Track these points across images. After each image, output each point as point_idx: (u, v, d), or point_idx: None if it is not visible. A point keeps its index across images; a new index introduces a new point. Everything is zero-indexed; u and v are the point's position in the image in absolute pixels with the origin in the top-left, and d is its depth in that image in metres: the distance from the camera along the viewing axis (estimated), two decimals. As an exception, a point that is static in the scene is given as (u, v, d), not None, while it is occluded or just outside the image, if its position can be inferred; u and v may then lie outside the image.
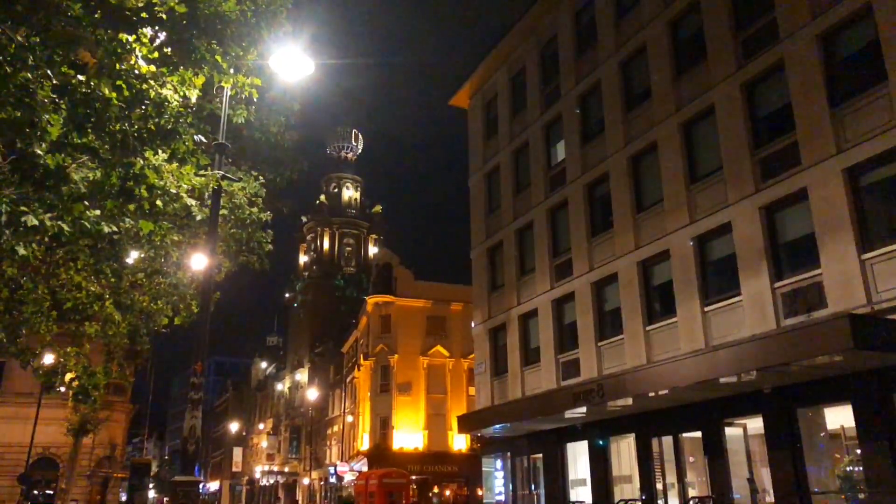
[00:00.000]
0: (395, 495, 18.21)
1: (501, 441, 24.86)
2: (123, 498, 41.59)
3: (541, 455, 23.02)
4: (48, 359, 20.71)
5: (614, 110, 21.17)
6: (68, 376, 22.40)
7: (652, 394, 16.46)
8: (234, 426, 77.93)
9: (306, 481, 59.23)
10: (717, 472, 16.32)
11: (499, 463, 25.28)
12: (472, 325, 29.68)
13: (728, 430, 16.57)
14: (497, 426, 23.05)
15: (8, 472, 34.15)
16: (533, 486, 23.44)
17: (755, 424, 15.97)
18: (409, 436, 42.56)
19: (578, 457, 21.64)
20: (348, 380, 51.82)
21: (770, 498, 15.06)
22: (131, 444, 60.25)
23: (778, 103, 16.14)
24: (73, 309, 16.92)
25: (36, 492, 35.39)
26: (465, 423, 26.13)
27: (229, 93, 11.17)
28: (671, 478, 17.81)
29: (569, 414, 19.59)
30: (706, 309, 16.90)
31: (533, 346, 24.00)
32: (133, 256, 14.59)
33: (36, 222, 10.34)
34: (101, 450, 37.73)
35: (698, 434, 17.21)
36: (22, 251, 10.59)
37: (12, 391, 35.68)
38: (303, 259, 75.39)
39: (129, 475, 24.25)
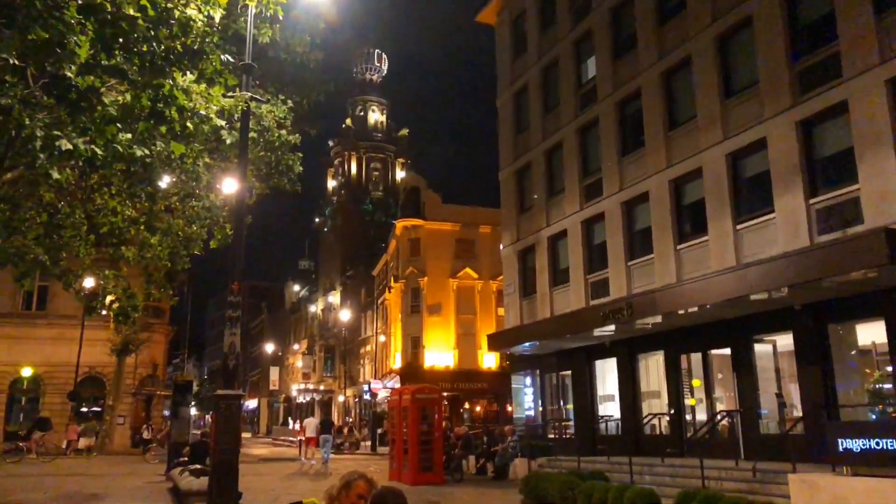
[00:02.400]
0: (428, 410, 18.75)
1: (530, 359, 25.30)
2: (166, 414, 43.48)
3: (569, 372, 23.44)
4: (89, 282, 21.35)
5: (647, 24, 20.45)
6: (108, 299, 23.11)
7: (681, 311, 16.53)
8: (269, 347, 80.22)
9: (341, 398, 61.26)
10: (746, 387, 16.50)
11: (528, 380, 25.82)
12: (501, 247, 29.79)
13: (757, 347, 16.67)
14: (526, 344, 23.44)
15: (58, 389, 35.77)
16: (562, 402, 23.99)
17: (785, 341, 16.02)
18: (439, 355, 43.52)
19: (607, 373, 22.00)
20: (379, 301, 52.75)
21: (798, 412, 15.24)
22: (171, 364, 62.55)
23: (820, 12, 15.45)
24: (109, 233, 17.30)
25: (84, 409, 37.09)
26: (495, 342, 26.57)
27: (253, 11, 11.01)
28: (699, 393, 18.08)
29: (597, 332, 19.82)
30: (738, 227, 16.71)
31: (562, 266, 24.08)
32: (166, 181, 14.79)
33: (70, 146, 10.48)
34: (143, 369, 39.22)
35: (727, 351, 17.34)
36: (56, 175, 10.78)
37: (57, 313, 36.90)
38: (331, 184, 75.63)
39: (171, 393, 25.29)
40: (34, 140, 10.32)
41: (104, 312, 34.69)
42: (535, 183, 25.83)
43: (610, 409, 21.50)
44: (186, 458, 16.38)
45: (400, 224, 46.61)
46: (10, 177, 13.70)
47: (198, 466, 14.04)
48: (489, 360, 43.43)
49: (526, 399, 25.90)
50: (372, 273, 56.55)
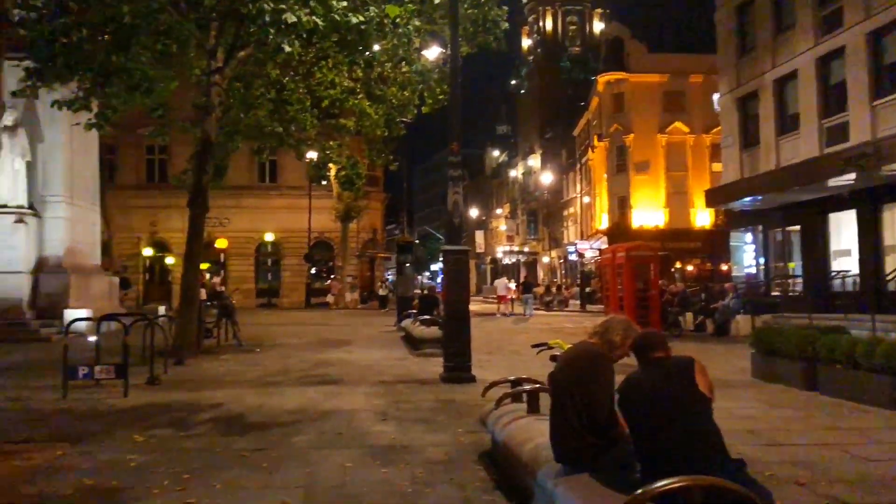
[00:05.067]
0: (642, 268, 18.43)
1: (751, 214, 23.76)
2: (387, 275, 47.16)
3: (797, 227, 21.76)
4: (313, 154, 22.98)
5: None
6: (333, 169, 24.82)
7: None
8: (473, 212, 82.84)
9: (546, 259, 62.45)
10: None
11: (748, 237, 24.42)
12: (717, 96, 27.54)
13: None
14: (747, 199, 21.99)
15: (295, 252, 40.13)
16: (787, 258, 22.48)
17: None
18: (648, 214, 42.32)
19: (842, 227, 20.11)
20: (582, 162, 51.81)
21: None
22: (386, 230, 66.95)
23: None
24: (330, 105, 18.30)
25: (314, 270, 41.30)
26: (713, 198, 25.19)
27: None
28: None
29: (833, 182, 18.01)
30: None
31: (790, 112, 21.84)
32: (377, 49, 15.13)
33: (294, 19, 10.98)
34: (364, 234, 42.52)
35: None
36: (287, 48, 11.41)
37: (286, 185, 40.67)
38: (525, 43, 73.53)
39: (395, 252, 27.48)
40: (263, 15, 10.94)
41: (324, 183, 37.66)
42: (758, 19, 23.16)
43: (845, 264, 19.81)
44: (415, 311, 17.72)
45: (602, 79, 44.55)
46: (242, 55, 14.77)
47: (427, 317, 15.14)
48: (702, 219, 41.53)
49: (745, 256, 24.62)
50: (572, 134, 55.28)
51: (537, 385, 6.01)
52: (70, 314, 15.92)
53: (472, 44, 15.09)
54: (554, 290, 41.28)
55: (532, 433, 5.05)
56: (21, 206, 19.13)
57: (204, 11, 13.16)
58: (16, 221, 18.83)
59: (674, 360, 3.61)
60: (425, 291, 18.95)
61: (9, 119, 18.75)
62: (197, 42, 14.54)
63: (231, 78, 15.14)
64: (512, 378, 6.54)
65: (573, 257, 50.22)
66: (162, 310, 19.63)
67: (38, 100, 17.63)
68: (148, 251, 39.83)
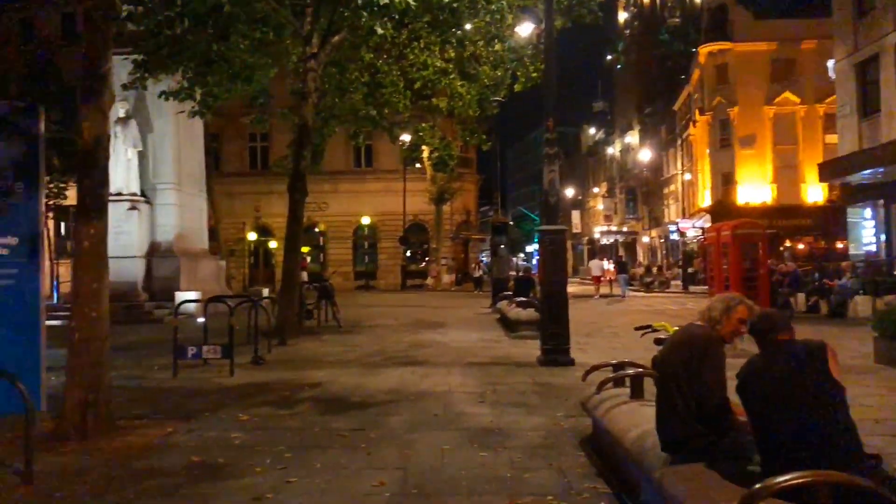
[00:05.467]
0: (749, 247, 17.52)
1: (871, 188, 22.14)
2: (481, 256, 47.13)
3: (924, 200, 20.11)
4: (406, 137, 23.11)
5: None
6: (426, 151, 24.87)
7: None
8: (569, 192, 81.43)
9: (646, 239, 60.70)
10: None
11: (868, 212, 22.78)
12: (832, 62, 25.74)
13: None
14: (867, 172, 20.50)
15: (390, 235, 40.71)
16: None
17: None
18: (754, 190, 40.25)
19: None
20: (683, 138, 49.86)
21: None
22: (480, 212, 66.82)
23: None
24: (423, 86, 18.28)
25: (409, 253, 41.72)
26: (828, 171, 23.64)
27: None
28: None
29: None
30: None
31: (916, 76, 20.12)
32: (469, 28, 14.94)
33: (387, 0, 10.94)
34: (458, 216, 42.60)
35: None
36: (380, 30, 11.39)
37: (381, 169, 41.23)
38: (622, 16, 71.22)
39: (490, 234, 27.45)
40: (356, -1, 10.96)
41: (418, 165, 37.87)
42: (880, -24, 21.40)
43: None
44: (511, 293, 17.55)
45: (703, 50, 42.49)
46: (336, 40, 14.91)
47: (522, 299, 14.95)
48: (813, 194, 39.14)
49: (864, 233, 23.02)
50: (672, 108, 53.20)
51: (641, 369, 5.76)
52: (180, 296, 16.69)
53: (567, 17, 14.61)
54: (654, 270, 40.05)
55: (636, 419, 4.83)
56: (134, 194, 20.20)
57: (299, -2, 13.38)
58: (129, 209, 19.90)
59: (803, 344, 3.28)
60: (521, 273, 18.72)
61: (121, 111, 19.82)
62: (293, 29, 14.80)
63: (326, 63, 15.34)
64: (614, 362, 6.30)
65: (674, 237, 48.51)
66: (265, 292, 20.34)
67: (147, 92, 18.52)
68: (252, 236, 41.38)
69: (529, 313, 14.10)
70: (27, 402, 5.05)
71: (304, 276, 20.76)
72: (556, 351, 10.17)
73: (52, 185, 24.83)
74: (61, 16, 37.45)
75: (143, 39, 12.55)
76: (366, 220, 41.46)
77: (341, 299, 18.02)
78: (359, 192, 41.00)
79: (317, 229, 39.93)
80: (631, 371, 5.78)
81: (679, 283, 36.83)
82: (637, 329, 7.08)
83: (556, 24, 15.40)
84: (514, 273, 24.81)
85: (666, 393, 3.91)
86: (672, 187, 53.57)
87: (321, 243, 41.42)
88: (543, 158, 10.46)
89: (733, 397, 3.57)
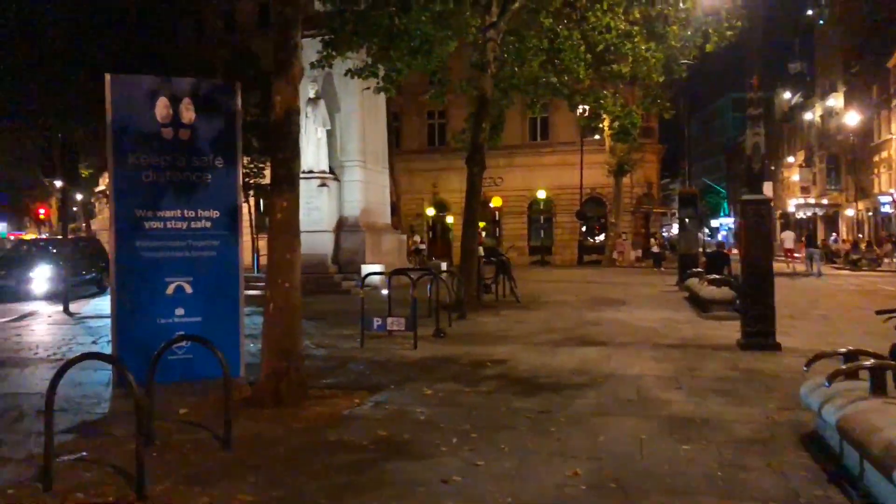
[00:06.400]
0: None
1: None
2: (664, 231, 44.90)
3: None
4: (583, 108, 22.16)
5: None
6: (606, 121, 23.81)
7: None
8: (759, 162, 75.52)
9: (850, 212, 54.81)
10: None
11: None
12: None
13: None
14: None
15: (566, 209, 39.86)
16: None
17: None
18: None
19: None
20: (899, 97, 44.14)
21: None
22: (660, 184, 63.77)
23: None
24: (605, 50, 17.35)
25: (584, 228, 40.57)
26: None
27: None
28: None
29: None
30: None
31: None
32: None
33: (571, -44, 10.29)
34: (638, 188, 40.76)
35: None
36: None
37: (557, 141, 40.38)
38: (826, -35, 64.15)
39: (676, 206, 25.94)
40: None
41: (597, 137, 36.65)
42: None
43: None
44: (701, 269, 16.35)
45: (929, -5, 37.15)
46: (516, 6, 14.47)
47: (716, 276, 13.81)
48: None
49: None
50: (886, 65, 47.20)
51: (883, 360, 4.90)
52: (365, 269, 17.25)
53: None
54: (863, 246, 36.00)
55: (883, 420, 4.06)
56: (324, 172, 21.15)
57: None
58: (320, 185, 20.86)
59: None
60: (713, 248, 17.30)
61: (311, 92, 20.75)
62: (472, -1, 14.56)
63: (504, 32, 14.96)
64: (843, 350, 5.42)
65: (886, 209, 43.33)
66: (444, 266, 20.56)
67: (334, 73, 19.21)
68: (430, 211, 42.31)
69: (724, 292, 13.00)
70: (224, 369, 5.21)
71: (481, 250, 20.73)
72: (761, 334, 9.19)
73: (252, 165, 26.84)
74: (259, 6, 40.29)
75: (330, 18, 12.89)
76: (541, 195, 40.87)
77: (517, 275, 17.74)
78: (534, 166, 40.46)
79: (492, 204, 40.00)
80: (869, 362, 4.93)
81: (893, 260, 32.81)
82: (879, 314, 6.07)
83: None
84: (702, 249, 23.21)
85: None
86: (884, 154, 47.76)
87: (496, 218, 41.43)
88: (746, 120, 9.42)
89: None
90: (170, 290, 6.79)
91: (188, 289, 6.84)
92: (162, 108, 6.85)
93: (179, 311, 6.82)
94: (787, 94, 75.03)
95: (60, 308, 15.06)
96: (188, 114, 6.92)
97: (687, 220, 19.51)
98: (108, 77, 6.71)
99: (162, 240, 6.77)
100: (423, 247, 36.47)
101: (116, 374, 6.38)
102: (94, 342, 10.33)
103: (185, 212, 6.86)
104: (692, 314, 13.75)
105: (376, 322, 9.68)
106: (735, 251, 23.91)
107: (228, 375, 5.25)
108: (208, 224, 6.92)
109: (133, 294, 6.68)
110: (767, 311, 9.26)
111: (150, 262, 6.72)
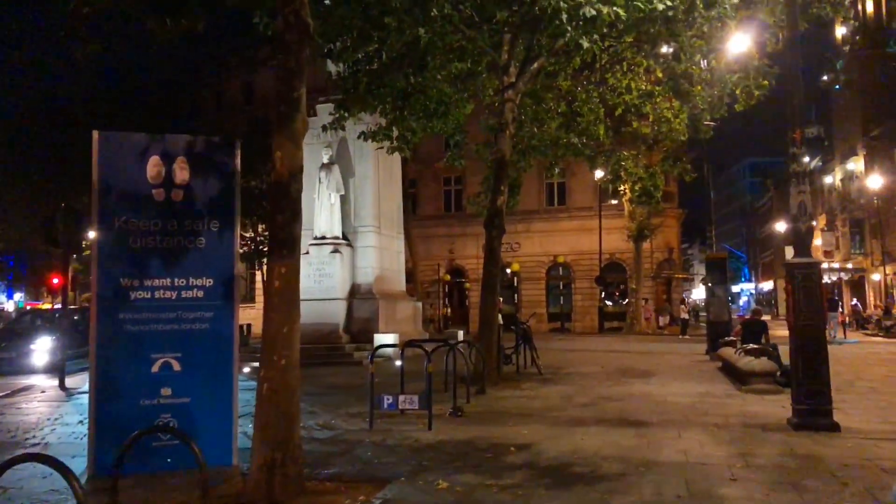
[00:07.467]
0: None
1: None
2: (686, 296, 43.75)
3: None
4: (598, 174, 21.66)
5: None
6: (626, 185, 23.22)
7: None
8: (779, 226, 74.53)
9: (876, 277, 53.44)
10: None
11: None
12: None
13: None
14: None
15: (585, 275, 38.99)
16: None
17: None
18: None
19: None
20: (922, 160, 43.44)
21: None
22: (681, 249, 62.83)
23: None
24: (625, 111, 16.92)
25: (603, 294, 39.59)
26: None
27: None
28: None
29: None
30: None
31: None
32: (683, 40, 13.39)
33: (593, 12, 9.84)
34: (658, 254, 39.90)
35: None
36: (585, 44, 10.31)
37: (574, 206, 39.91)
38: (839, 31, 64.60)
39: (695, 273, 25.18)
40: (560, 14, 9.98)
41: (614, 202, 36.11)
42: None
43: None
44: (735, 338, 15.35)
45: (948, 58, 36.87)
46: (534, 67, 14.07)
47: (753, 346, 12.84)
48: None
49: None
50: (908, 128, 46.74)
51: None
52: (378, 338, 16.44)
53: (805, 16, 12.44)
54: (895, 311, 34.71)
55: None
56: (336, 238, 20.59)
57: (497, 25, 12.74)
58: (332, 252, 20.27)
59: None
60: (752, 313, 16.33)
61: (325, 157, 20.42)
62: (489, 60, 14.20)
63: (522, 93, 14.53)
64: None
65: (916, 273, 42.04)
66: (460, 335, 19.68)
67: (347, 137, 18.88)
68: (446, 277, 41.66)
69: (763, 363, 12.02)
70: (200, 465, 4.41)
71: (499, 318, 19.87)
72: (816, 413, 8.21)
73: (266, 233, 26.45)
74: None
75: (343, 79, 12.51)
76: (559, 260, 40.18)
77: (537, 342, 16.82)
78: (552, 232, 39.95)
79: (509, 270, 39.30)
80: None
81: (929, 327, 31.45)
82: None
83: (783, 31, 13.45)
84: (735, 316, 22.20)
85: None
86: (912, 217, 46.79)
87: (514, 284, 40.65)
88: (790, 178, 8.72)
89: None
90: (155, 367, 6.05)
91: (176, 366, 6.10)
92: (153, 167, 6.26)
93: (166, 391, 6.06)
94: (805, 159, 74.61)
95: (57, 382, 14.32)
96: (182, 173, 6.32)
97: (715, 285, 18.62)
98: (95, 134, 6.16)
99: (148, 311, 6.07)
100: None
101: (92, 461, 5.65)
102: (80, 422, 9.51)
103: (176, 280, 6.18)
104: (730, 387, 12.72)
105: (387, 400, 8.82)
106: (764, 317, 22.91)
107: (206, 481, 4.43)
108: (200, 293, 6.22)
109: (114, 372, 5.95)
110: (822, 386, 8.31)
111: (134, 336, 6.00)
